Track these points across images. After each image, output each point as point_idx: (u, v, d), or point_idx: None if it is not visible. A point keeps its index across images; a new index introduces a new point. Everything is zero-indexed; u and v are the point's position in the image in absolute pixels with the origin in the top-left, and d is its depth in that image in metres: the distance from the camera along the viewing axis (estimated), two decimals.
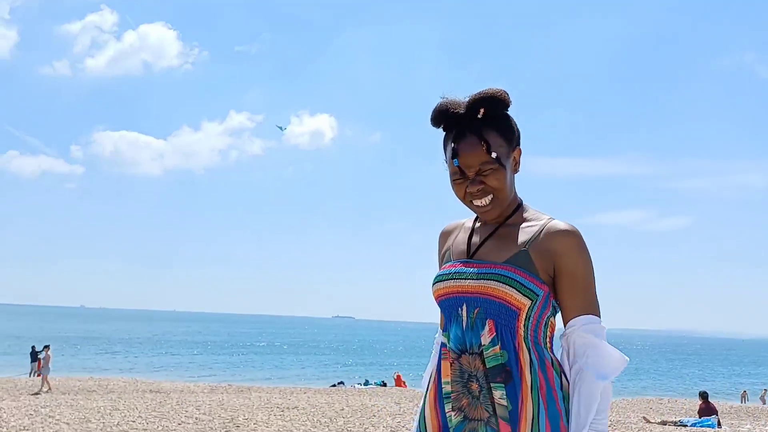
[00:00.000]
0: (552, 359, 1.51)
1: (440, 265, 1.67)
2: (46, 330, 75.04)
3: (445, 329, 1.56)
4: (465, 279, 1.54)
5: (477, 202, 1.56)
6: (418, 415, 1.62)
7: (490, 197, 1.55)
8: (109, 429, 7.82)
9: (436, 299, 1.61)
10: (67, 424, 8.15)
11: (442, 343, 1.57)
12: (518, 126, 1.63)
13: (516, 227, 1.58)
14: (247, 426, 8.20)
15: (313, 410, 10.44)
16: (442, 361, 1.55)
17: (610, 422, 10.15)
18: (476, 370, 1.48)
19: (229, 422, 8.54)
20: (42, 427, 7.79)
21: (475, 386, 1.49)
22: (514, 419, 1.44)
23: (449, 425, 1.51)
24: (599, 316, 1.52)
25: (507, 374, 1.46)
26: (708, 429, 11.52)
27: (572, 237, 1.52)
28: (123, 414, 9.36)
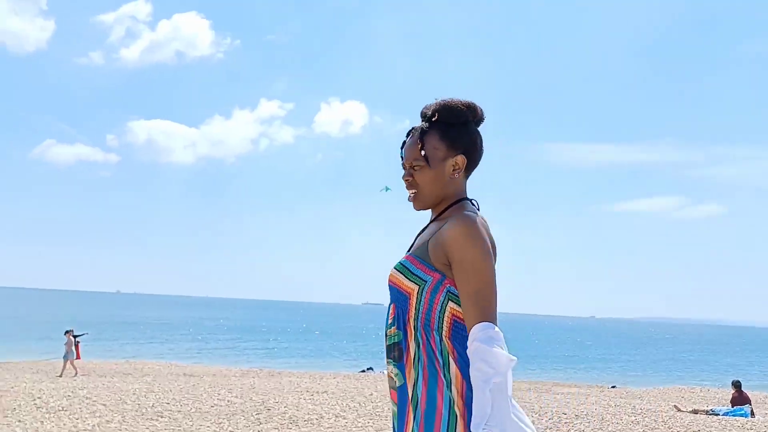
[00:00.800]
0: (441, 342, 1.64)
1: None
2: (82, 315, 76.88)
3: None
4: (394, 269, 1.76)
5: (409, 195, 1.78)
6: None
7: (413, 191, 1.77)
8: (144, 410, 8.04)
9: None
10: (104, 405, 8.40)
11: None
12: (480, 140, 1.80)
13: (437, 223, 1.75)
14: (278, 409, 8.35)
15: (342, 394, 10.57)
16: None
17: (640, 410, 10.11)
18: (387, 348, 1.74)
19: (260, 405, 8.71)
20: (80, 408, 8.04)
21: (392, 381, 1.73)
22: (403, 392, 1.67)
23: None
24: (489, 319, 1.57)
25: (399, 351, 1.68)
26: (740, 418, 11.37)
27: (459, 227, 1.63)
28: (157, 396, 9.61)
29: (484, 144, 1.81)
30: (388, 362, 1.71)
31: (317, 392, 10.90)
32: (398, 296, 1.70)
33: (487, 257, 1.61)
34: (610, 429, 7.70)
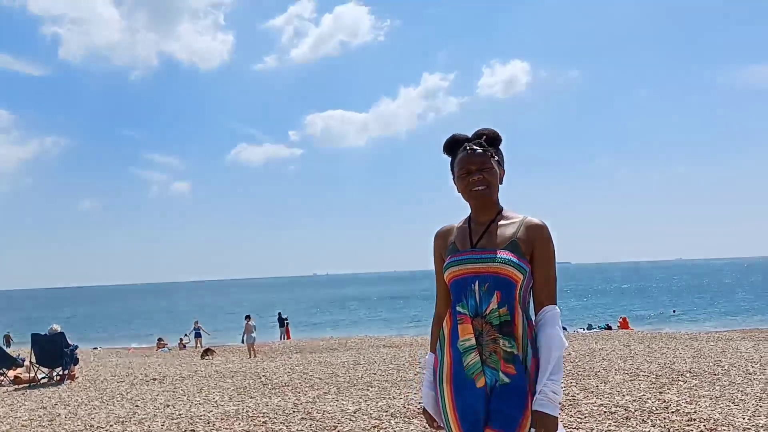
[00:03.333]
0: (532, 318, 2.18)
1: (444, 256, 2.27)
2: (287, 298, 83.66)
3: (460, 300, 2.16)
4: (476, 263, 2.16)
5: (477, 188, 2.21)
6: (437, 379, 2.25)
7: (486, 185, 2.21)
8: (355, 381, 8.65)
9: (449, 280, 2.20)
10: (320, 378, 9.16)
11: (456, 311, 2.16)
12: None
13: (503, 224, 2.23)
14: None
15: None
16: (459, 325, 2.14)
17: None
18: (483, 328, 2.11)
19: None
20: (300, 382, 8.84)
21: (483, 339, 2.11)
22: (516, 360, 2.08)
23: (466, 372, 2.11)
24: (556, 303, 2.17)
25: (510, 328, 2.10)
26: None
27: (544, 229, 2.18)
28: (365, 367, 10.26)
29: None
30: (502, 337, 2.08)
31: None
32: (506, 283, 2.11)
33: (555, 257, 2.19)
34: None
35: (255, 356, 17.11)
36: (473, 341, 2.11)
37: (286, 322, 28.50)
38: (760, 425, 4.72)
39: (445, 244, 2.31)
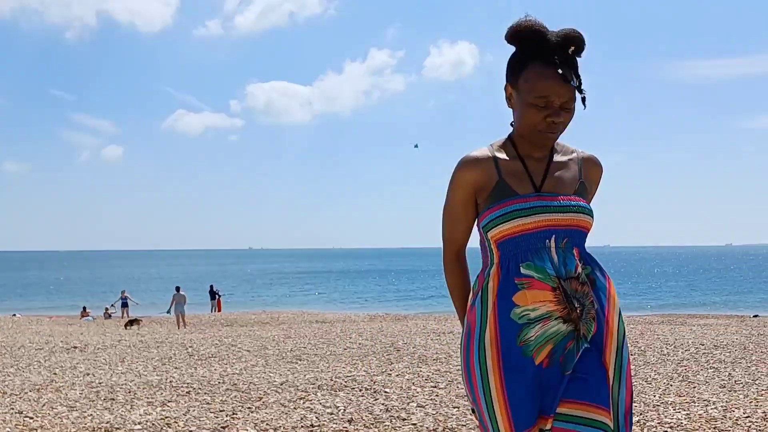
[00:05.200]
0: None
1: (489, 198, 1.72)
2: (221, 271, 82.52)
3: (526, 259, 1.67)
4: (552, 212, 1.69)
5: (553, 133, 1.70)
6: (477, 347, 1.70)
7: (562, 129, 1.72)
8: (284, 354, 8.62)
9: (513, 234, 1.68)
10: (248, 351, 9.08)
11: (521, 273, 1.67)
12: None
13: (561, 160, 1.79)
14: (407, 349, 8.66)
15: None
16: (523, 291, 1.66)
17: None
18: (576, 291, 1.67)
19: (389, 346, 9.06)
20: (227, 354, 8.74)
21: (578, 304, 1.67)
22: (603, 315, 1.71)
23: (524, 349, 1.66)
24: None
25: (592, 282, 1.72)
26: None
27: (601, 168, 1.86)
28: (295, 341, 10.24)
29: None
30: (594, 300, 1.70)
31: (443, 333, 11.15)
32: (582, 237, 1.74)
33: None
34: (753, 358, 7.34)
35: (184, 327, 16.83)
36: (545, 309, 1.65)
37: (217, 295, 28.11)
38: (669, 402, 4.96)
39: (488, 180, 1.73)
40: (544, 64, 1.65)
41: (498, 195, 1.71)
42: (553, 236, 1.68)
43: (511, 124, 1.81)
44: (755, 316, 19.89)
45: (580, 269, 1.69)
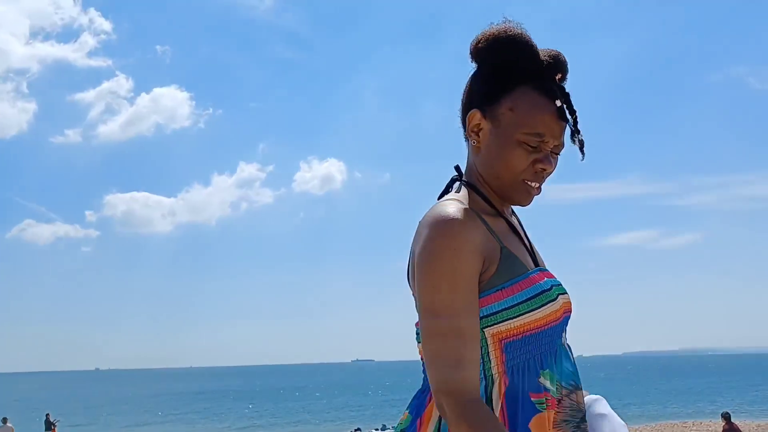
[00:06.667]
0: None
1: (505, 274, 1.14)
2: (63, 396, 74.79)
3: (544, 366, 1.13)
4: (565, 292, 1.22)
5: (535, 184, 1.20)
6: None
7: (542, 182, 1.23)
8: None
9: (536, 328, 1.14)
10: None
11: (540, 386, 1.12)
12: None
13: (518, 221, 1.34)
14: None
15: None
16: (541, 415, 1.11)
17: None
18: (582, 404, 1.18)
19: None
20: None
21: (585, 425, 1.18)
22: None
23: None
24: None
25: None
26: None
27: None
28: None
29: None
30: (580, 390, 1.19)
31: None
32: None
33: None
34: None
35: None
36: None
37: (53, 424, 25.39)
38: None
39: (493, 249, 1.14)
40: (538, 90, 1.17)
41: (509, 270, 1.14)
42: (565, 328, 1.21)
43: (461, 169, 1.28)
44: None
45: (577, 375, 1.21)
